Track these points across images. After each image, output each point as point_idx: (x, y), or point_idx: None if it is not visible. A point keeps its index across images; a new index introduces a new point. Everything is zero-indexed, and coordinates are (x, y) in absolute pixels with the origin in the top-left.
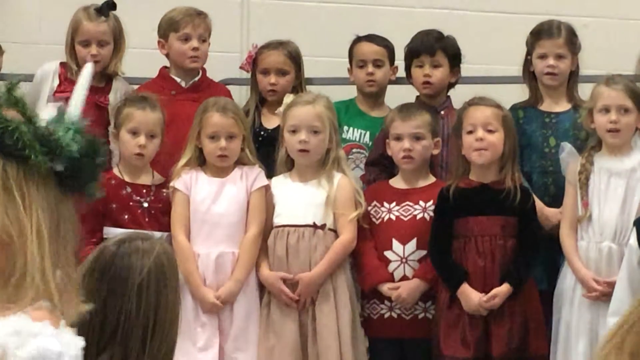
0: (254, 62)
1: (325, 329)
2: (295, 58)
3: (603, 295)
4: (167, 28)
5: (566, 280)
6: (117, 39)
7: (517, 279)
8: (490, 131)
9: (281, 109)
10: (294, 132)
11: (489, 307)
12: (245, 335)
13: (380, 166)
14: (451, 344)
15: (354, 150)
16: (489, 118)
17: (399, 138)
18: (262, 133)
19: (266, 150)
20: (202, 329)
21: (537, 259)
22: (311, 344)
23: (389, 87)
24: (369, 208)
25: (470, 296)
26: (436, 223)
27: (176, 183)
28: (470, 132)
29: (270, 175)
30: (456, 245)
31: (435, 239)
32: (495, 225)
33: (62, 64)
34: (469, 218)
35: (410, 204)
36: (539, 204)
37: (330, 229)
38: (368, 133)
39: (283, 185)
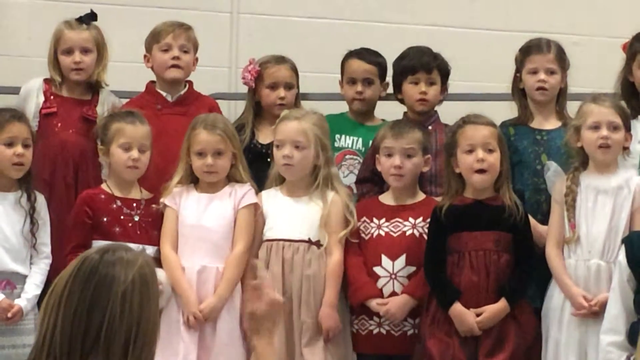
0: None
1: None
2: (296, 72)
3: (592, 314)
4: (151, 41)
5: (553, 299)
6: (100, 48)
7: (513, 295)
8: (490, 151)
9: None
10: (278, 147)
11: (483, 327)
12: (228, 353)
13: (371, 183)
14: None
15: (347, 156)
16: (488, 137)
17: (390, 154)
18: (257, 148)
19: (260, 165)
20: (182, 343)
21: (532, 275)
22: None
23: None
24: (358, 223)
25: (465, 317)
26: (430, 241)
27: (166, 199)
28: (469, 152)
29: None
30: (450, 260)
31: (429, 255)
32: (489, 240)
33: (46, 81)
34: (463, 233)
35: (400, 220)
36: (532, 221)
37: (325, 247)
38: (361, 140)
39: (274, 199)
